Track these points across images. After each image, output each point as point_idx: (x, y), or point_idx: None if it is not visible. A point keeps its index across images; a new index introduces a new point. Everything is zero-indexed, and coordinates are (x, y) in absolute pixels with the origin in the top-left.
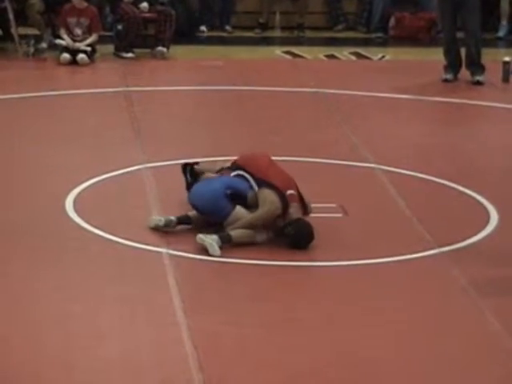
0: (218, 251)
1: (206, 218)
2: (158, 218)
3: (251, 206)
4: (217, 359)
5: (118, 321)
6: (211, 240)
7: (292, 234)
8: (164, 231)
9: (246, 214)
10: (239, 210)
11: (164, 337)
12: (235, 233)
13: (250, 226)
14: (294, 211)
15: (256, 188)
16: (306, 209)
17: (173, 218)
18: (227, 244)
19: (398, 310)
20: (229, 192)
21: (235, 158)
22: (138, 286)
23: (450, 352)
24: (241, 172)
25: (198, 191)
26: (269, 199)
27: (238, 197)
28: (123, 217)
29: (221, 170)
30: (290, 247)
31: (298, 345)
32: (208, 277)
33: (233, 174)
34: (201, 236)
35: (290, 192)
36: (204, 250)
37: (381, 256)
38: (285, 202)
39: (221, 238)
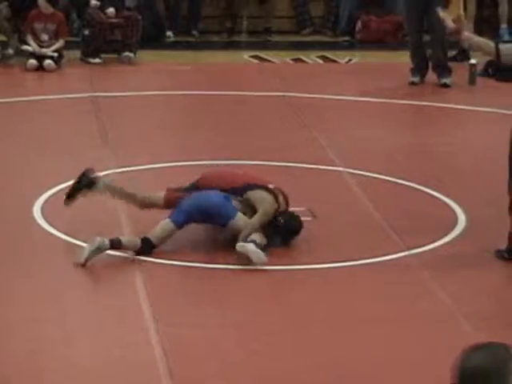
0: (263, 258)
1: (204, 221)
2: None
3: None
4: (186, 363)
5: (86, 326)
6: (255, 247)
7: (283, 224)
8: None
9: (245, 219)
10: (240, 215)
11: (133, 341)
12: (255, 237)
13: (259, 226)
14: (282, 201)
15: (239, 198)
16: (287, 200)
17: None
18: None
19: (367, 312)
20: (229, 198)
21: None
22: (107, 291)
23: (419, 353)
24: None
25: (201, 196)
26: (262, 196)
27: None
28: (92, 223)
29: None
30: (281, 238)
31: (268, 348)
32: (176, 281)
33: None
34: (243, 245)
35: (270, 185)
36: (171, 255)
37: (350, 259)
38: (272, 193)
39: (255, 244)
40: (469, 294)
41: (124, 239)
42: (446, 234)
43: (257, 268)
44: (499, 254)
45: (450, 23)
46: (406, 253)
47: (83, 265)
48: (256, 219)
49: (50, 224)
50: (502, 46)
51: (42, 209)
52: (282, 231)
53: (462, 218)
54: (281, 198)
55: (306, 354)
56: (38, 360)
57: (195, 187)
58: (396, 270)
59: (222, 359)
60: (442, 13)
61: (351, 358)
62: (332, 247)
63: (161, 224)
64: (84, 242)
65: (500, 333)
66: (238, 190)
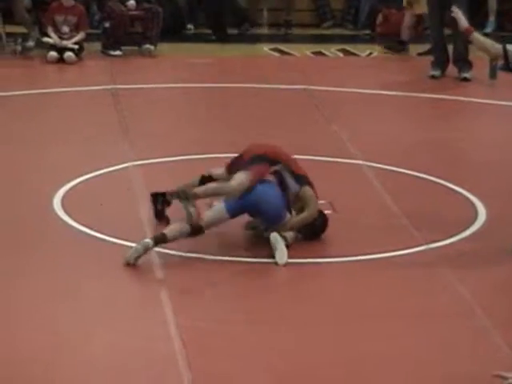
0: (285, 260)
1: (255, 216)
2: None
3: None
4: (206, 357)
5: (106, 319)
6: (283, 245)
7: (317, 226)
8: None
9: (291, 217)
10: (288, 216)
11: (152, 335)
12: (289, 235)
13: (300, 226)
14: None
15: (296, 187)
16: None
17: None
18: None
19: (387, 306)
20: (285, 200)
21: (250, 148)
22: (127, 284)
23: (438, 347)
24: (278, 168)
25: (264, 195)
26: (313, 199)
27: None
28: (111, 215)
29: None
30: (309, 236)
31: (287, 343)
32: (196, 274)
33: (272, 169)
34: (276, 237)
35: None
36: (192, 247)
37: (369, 252)
38: (315, 194)
39: (287, 242)
40: (488, 289)
41: (169, 232)
42: (465, 229)
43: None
44: None
45: (463, 23)
46: (425, 247)
47: (130, 264)
48: (301, 219)
49: (70, 216)
50: (510, 47)
51: (62, 201)
52: (312, 231)
53: (482, 212)
54: None
55: (324, 350)
56: (57, 352)
57: (262, 158)
58: (415, 264)
59: (241, 354)
60: (456, 11)
61: (370, 353)
62: (351, 241)
63: (214, 209)
64: (102, 233)
65: None
66: (298, 178)
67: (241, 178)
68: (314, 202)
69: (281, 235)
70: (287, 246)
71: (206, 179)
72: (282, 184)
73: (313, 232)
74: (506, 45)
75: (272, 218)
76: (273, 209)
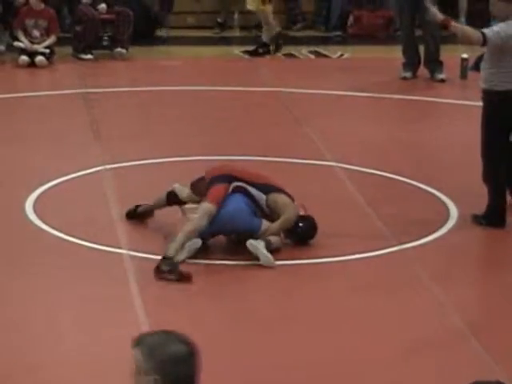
0: (271, 261)
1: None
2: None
3: (267, 215)
4: None
5: (78, 321)
6: (264, 248)
7: (303, 231)
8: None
9: (268, 223)
10: (264, 222)
11: (126, 336)
12: (273, 239)
13: (279, 231)
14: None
15: (262, 196)
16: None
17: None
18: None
19: (361, 306)
20: (253, 208)
21: (209, 171)
22: (100, 287)
23: (412, 346)
24: (239, 183)
25: (227, 212)
26: (285, 202)
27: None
28: (84, 218)
29: (201, 187)
30: (297, 241)
31: (259, 343)
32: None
33: (232, 186)
34: (253, 243)
35: (286, 190)
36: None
37: (343, 254)
38: (292, 199)
39: (266, 244)
40: (461, 287)
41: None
42: (438, 229)
43: (254, 264)
44: (476, 220)
45: (439, 16)
46: (398, 247)
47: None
48: (278, 225)
49: (43, 220)
50: (487, 30)
51: (35, 205)
52: (299, 236)
53: (454, 211)
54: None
55: (299, 352)
56: (32, 357)
57: (220, 179)
58: (389, 264)
59: (213, 354)
60: (431, 7)
61: (338, 354)
62: (324, 242)
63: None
64: (75, 237)
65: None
66: (261, 188)
67: (202, 208)
68: (288, 207)
69: (262, 239)
70: (271, 252)
71: (171, 197)
72: (248, 195)
73: (299, 237)
74: (483, 30)
75: (246, 229)
76: (244, 222)
